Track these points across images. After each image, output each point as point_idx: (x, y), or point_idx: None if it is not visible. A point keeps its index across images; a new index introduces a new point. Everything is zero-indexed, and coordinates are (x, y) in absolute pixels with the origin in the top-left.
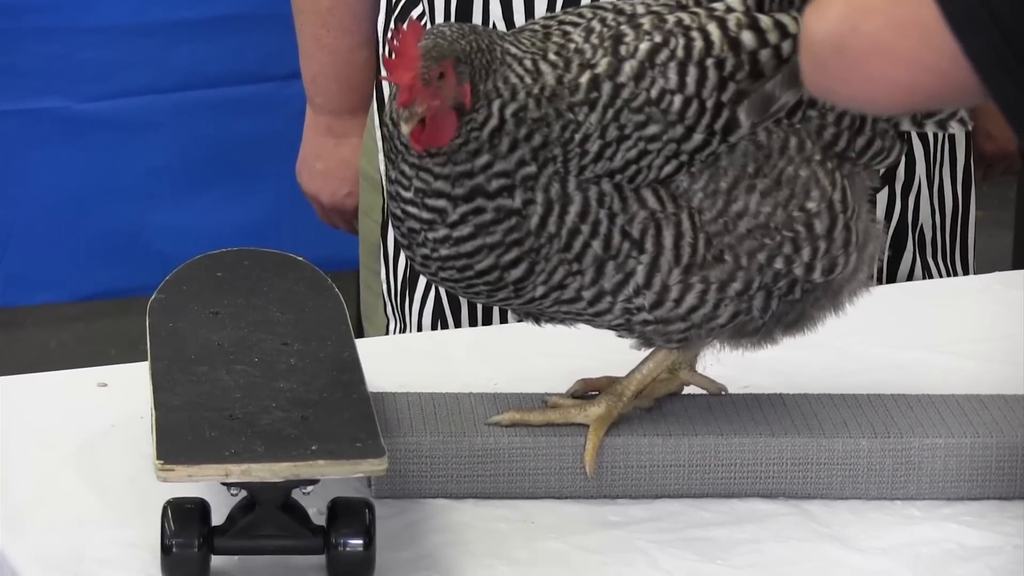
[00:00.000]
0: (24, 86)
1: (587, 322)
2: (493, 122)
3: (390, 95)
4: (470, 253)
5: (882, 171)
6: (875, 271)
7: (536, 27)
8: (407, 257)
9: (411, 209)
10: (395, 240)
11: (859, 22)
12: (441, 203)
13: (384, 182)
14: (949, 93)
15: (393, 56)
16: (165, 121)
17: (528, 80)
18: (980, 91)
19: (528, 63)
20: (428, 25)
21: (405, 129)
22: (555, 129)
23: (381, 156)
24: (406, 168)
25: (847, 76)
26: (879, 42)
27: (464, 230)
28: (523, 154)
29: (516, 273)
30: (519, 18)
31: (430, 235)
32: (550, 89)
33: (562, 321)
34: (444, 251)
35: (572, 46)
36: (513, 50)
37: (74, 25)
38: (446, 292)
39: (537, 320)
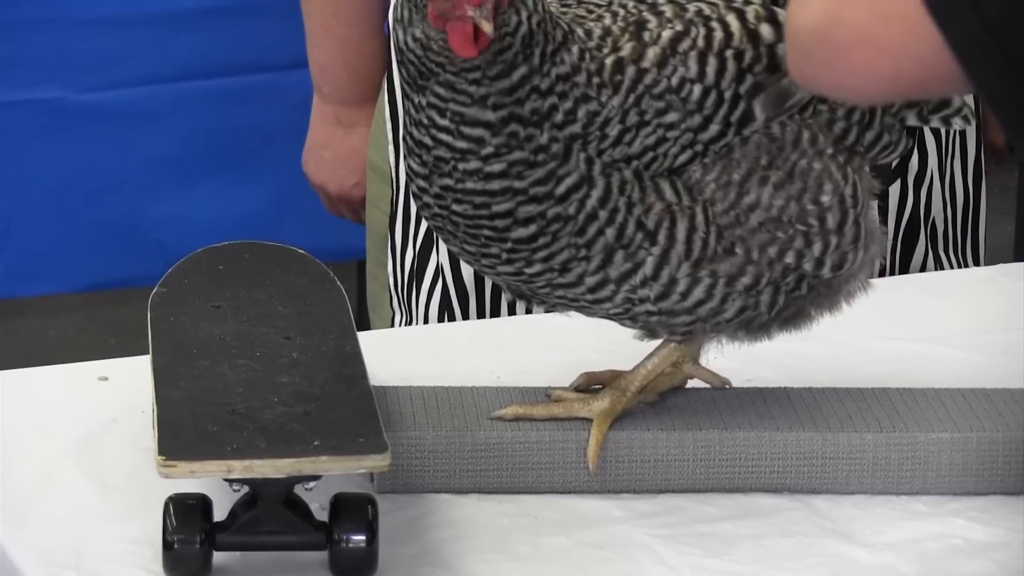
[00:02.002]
0: (24, 76)
1: (581, 308)
2: (524, 29)
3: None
4: (494, 192)
5: (895, 164)
6: (875, 273)
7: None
8: (414, 191)
9: (444, 137)
10: (402, 228)
11: (843, 12)
12: (478, 131)
13: (408, 113)
14: (934, 83)
15: None
16: (165, 111)
17: (546, 2)
18: (964, 81)
19: None
20: None
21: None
22: (577, 86)
23: (390, 147)
24: (441, 91)
25: (831, 66)
26: (863, 32)
27: (496, 166)
28: (550, 79)
29: (522, 232)
30: None
31: (460, 165)
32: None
33: (554, 306)
34: (470, 184)
35: (603, 23)
36: None
37: (73, 15)
38: (454, 284)
39: (529, 301)
